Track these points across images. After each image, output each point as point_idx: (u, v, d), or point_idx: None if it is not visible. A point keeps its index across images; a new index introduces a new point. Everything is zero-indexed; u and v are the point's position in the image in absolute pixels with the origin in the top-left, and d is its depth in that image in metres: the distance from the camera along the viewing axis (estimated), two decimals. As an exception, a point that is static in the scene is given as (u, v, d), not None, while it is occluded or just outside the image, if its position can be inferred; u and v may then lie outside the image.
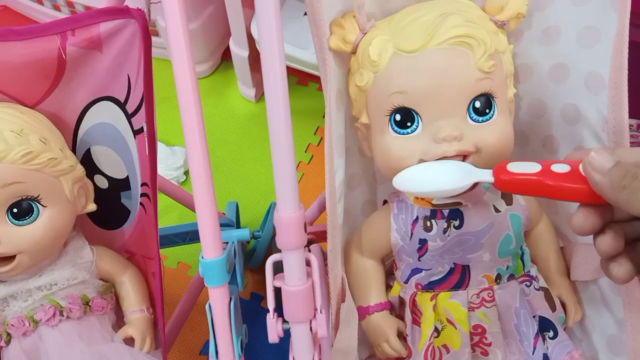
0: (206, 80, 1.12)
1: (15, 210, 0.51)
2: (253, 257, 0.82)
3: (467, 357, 0.49)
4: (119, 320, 0.60)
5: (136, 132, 0.55)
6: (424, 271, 0.50)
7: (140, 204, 0.59)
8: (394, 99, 0.44)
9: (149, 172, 0.53)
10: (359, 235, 0.53)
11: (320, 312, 0.44)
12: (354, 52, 0.48)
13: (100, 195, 0.59)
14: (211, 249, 0.44)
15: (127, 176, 0.59)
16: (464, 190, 0.42)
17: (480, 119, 0.44)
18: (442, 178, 0.42)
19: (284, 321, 0.45)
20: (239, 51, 0.98)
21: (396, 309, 0.54)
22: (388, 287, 0.55)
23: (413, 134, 0.45)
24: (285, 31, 0.99)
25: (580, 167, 0.34)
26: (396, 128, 0.45)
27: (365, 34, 0.47)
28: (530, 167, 0.37)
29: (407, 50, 0.43)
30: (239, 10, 0.91)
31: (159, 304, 0.57)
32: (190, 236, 0.74)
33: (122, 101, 0.54)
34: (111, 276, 0.60)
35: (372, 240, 0.52)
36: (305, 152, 1.05)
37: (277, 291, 0.45)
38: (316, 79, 1.12)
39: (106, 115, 0.55)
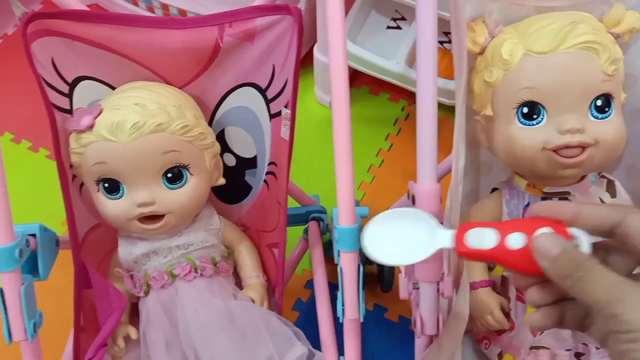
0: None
1: (169, 175, 0.59)
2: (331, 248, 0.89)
3: (566, 331, 0.54)
4: (237, 285, 0.67)
5: (273, 116, 0.62)
6: (531, 251, 0.56)
7: (264, 181, 0.66)
8: (523, 93, 0.51)
9: (285, 152, 0.59)
10: (466, 218, 0.59)
11: (447, 275, 0.50)
12: (481, 52, 0.55)
13: (226, 171, 0.66)
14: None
15: (255, 155, 0.66)
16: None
17: (600, 115, 0.51)
18: (408, 247, 0.42)
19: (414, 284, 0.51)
20: (323, 58, 1.06)
21: (497, 287, 0.60)
22: (489, 269, 0.60)
23: (538, 125, 0.51)
24: (369, 42, 1.08)
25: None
26: (522, 120, 0.52)
27: (494, 37, 0.54)
28: (488, 239, 0.38)
29: (539, 52, 0.51)
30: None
31: (280, 272, 0.64)
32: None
33: (264, 88, 0.61)
34: (231, 244, 0.67)
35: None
36: (377, 156, 1.12)
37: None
38: (387, 88, 1.19)
39: (245, 99, 0.63)
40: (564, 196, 0.55)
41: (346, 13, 0.99)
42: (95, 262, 0.66)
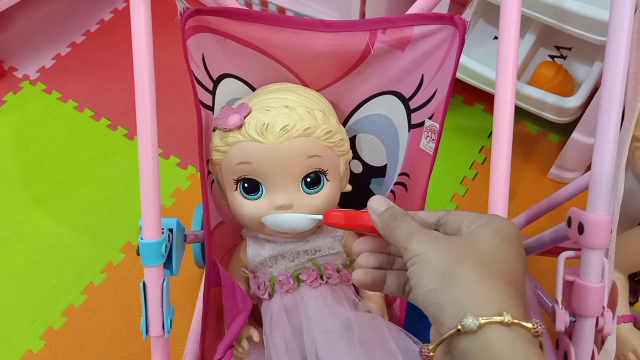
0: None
1: (308, 179, 0.58)
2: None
3: None
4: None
5: (413, 126, 0.60)
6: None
7: (391, 191, 0.65)
8: None
9: (426, 165, 0.58)
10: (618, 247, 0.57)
11: (607, 311, 0.48)
12: None
13: (352, 178, 0.65)
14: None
15: (385, 164, 0.65)
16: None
17: None
18: None
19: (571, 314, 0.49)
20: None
21: (638, 323, 0.57)
22: (630, 304, 0.58)
23: None
24: (474, 50, 1.05)
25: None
26: None
27: None
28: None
29: None
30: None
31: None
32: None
33: (407, 97, 0.60)
34: (351, 253, 0.66)
35: (629, 254, 0.55)
36: (470, 168, 1.09)
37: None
38: (482, 99, 1.17)
39: (384, 107, 0.62)
40: None
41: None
42: (217, 260, 0.66)
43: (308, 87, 0.62)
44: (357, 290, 0.65)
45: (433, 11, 0.58)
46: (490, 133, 1.22)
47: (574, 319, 0.49)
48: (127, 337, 0.90)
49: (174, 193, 1.05)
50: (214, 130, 0.59)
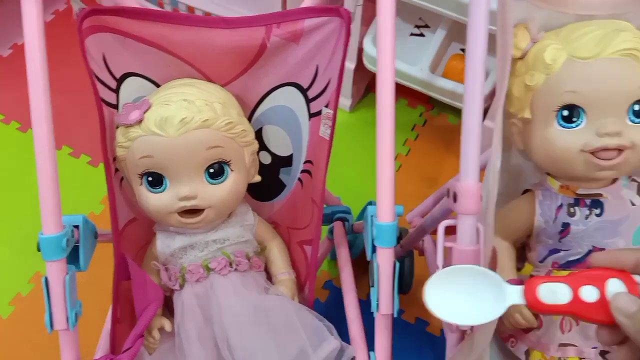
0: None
1: (211, 170, 0.60)
2: (352, 248, 0.91)
3: (593, 329, 0.56)
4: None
5: (312, 115, 0.64)
6: (562, 251, 0.58)
7: (299, 179, 0.68)
8: (565, 97, 0.53)
9: (324, 151, 0.61)
10: (497, 219, 0.61)
11: (485, 272, 0.52)
12: (522, 57, 0.57)
13: (261, 169, 0.68)
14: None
15: (291, 154, 0.68)
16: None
17: (637, 120, 0.53)
18: (475, 304, 0.43)
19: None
20: (347, 63, 1.08)
21: (526, 287, 0.61)
22: (517, 269, 0.62)
23: (577, 128, 0.54)
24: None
25: (606, 295, 0.39)
26: (562, 122, 0.54)
27: (535, 42, 0.56)
28: (560, 294, 0.40)
29: (582, 57, 0.53)
30: (357, 25, 1.02)
31: (312, 268, 0.65)
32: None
33: (305, 87, 0.63)
34: (262, 241, 0.69)
35: (513, 222, 0.60)
36: (395, 160, 1.13)
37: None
38: (405, 94, 1.22)
39: (286, 98, 0.65)
40: (596, 197, 0.57)
41: (370, 20, 1.02)
42: (130, 255, 0.67)
43: (213, 82, 0.64)
44: (269, 276, 0.68)
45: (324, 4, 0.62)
46: (414, 126, 1.26)
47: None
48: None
49: (103, 200, 1.05)
50: (117, 127, 0.60)
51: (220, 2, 1.11)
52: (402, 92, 1.20)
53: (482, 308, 0.43)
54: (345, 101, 1.18)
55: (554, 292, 0.40)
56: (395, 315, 0.57)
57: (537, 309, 0.41)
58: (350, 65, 1.08)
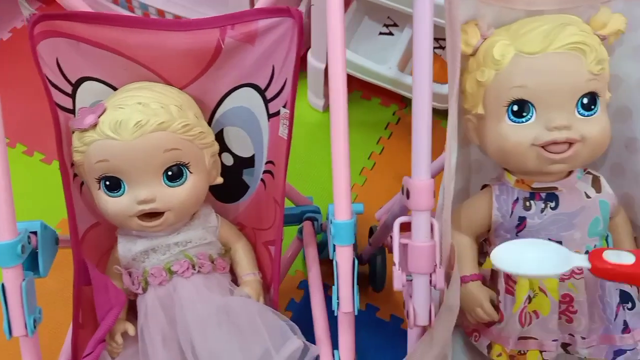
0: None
1: (170, 173, 0.60)
2: (324, 249, 0.91)
3: (554, 322, 0.57)
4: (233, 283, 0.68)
5: (271, 115, 0.64)
6: (520, 245, 0.58)
7: (262, 180, 0.68)
8: (514, 92, 0.54)
9: (283, 151, 0.61)
10: (457, 214, 0.61)
11: (439, 267, 0.52)
12: (473, 54, 0.57)
13: (224, 170, 0.68)
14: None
15: (253, 155, 0.68)
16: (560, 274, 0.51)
17: (587, 113, 0.54)
18: (541, 262, 0.49)
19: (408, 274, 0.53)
20: (317, 63, 1.08)
21: (487, 281, 0.62)
22: (479, 264, 0.63)
23: (527, 122, 0.54)
24: (362, 47, 1.10)
25: None
26: (512, 117, 0.55)
27: (485, 39, 0.56)
28: (625, 258, 0.44)
29: (529, 52, 0.53)
30: (324, 25, 1.02)
31: (275, 269, 0.65)
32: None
33: (263, 88, 0.63)
34: (227, 242, 0.68)
35: (472, 217, 0.60)
36: (369, 159, 1.14)
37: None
38: (378, 93, 1.22)
39: (245, 100, 0.65)
40: (551, 191, 0.57)
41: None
42: (93, 260, 0.66)
43: (170, 85, 0.64)
44: (233, 277, 0.68)
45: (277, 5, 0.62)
46: (388, 124, 1.26)
47: (410, 278, 0.53)
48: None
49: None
50: (73, 132, 0.60)
51: (191, 5, 1.11)
52: (376, 91, 1.20)
53: (547, 265, 0.48)
54: (317, 101, 1.18)
55: (619, 256, 0.45)
56: (356, 313, 0.57)
57: (602, 270, 0.44)
58: (320, 65, 1.08)
